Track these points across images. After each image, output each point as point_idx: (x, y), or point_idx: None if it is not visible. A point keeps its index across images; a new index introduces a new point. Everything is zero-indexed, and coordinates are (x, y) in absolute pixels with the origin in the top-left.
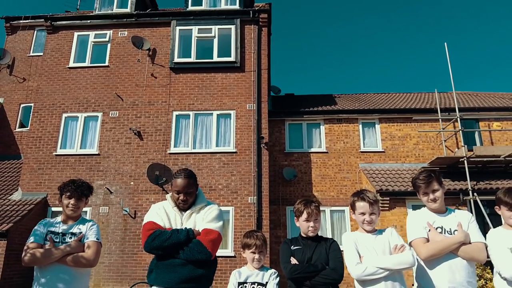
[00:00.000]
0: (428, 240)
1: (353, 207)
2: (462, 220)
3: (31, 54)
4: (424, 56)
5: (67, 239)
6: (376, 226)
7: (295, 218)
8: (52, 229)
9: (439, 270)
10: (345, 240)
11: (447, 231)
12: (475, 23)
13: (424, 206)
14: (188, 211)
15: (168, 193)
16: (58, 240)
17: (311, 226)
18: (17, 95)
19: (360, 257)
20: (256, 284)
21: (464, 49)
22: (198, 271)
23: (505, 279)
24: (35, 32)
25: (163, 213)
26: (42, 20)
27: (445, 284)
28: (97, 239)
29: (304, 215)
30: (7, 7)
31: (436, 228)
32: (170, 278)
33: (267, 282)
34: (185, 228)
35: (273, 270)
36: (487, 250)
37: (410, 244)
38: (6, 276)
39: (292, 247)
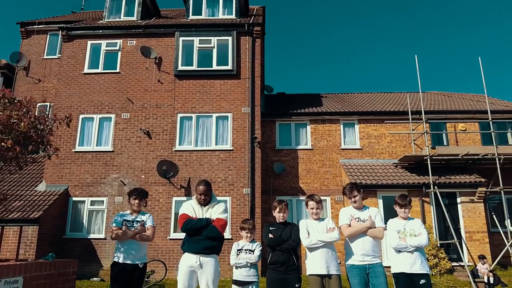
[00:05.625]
0: (350, 225)
1: (306, 204)
2: (372, 213)
3: (45, 56)
4: (406, 55)
5: (135, 225)
6: (320, 216)
7: (272, 210)
8: (125, 218)
9: (356, 243)
10: (300, 224)
11: (362, 220)
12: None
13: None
14: (206, 207)
15: (175, 186)
16: (129, 225)
17: (281, 216)
18: (33, 96)
19: (308, 234)
20: (248, 250)
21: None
22: (213, 243)
23: (393, 248)
24: (48, 36)
25: (191, 208)
26: (54, 25)
27: (359, 251)
28: (153, 224)
29: (277, 209)
30: (15, 6)
31: (356, 218)
32: (196, 247)
33: (254, 249)
34: (205, 217)
35: (258, 242)
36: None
37: (339, 227)
38: (39, 256)
39: (270, 228)
